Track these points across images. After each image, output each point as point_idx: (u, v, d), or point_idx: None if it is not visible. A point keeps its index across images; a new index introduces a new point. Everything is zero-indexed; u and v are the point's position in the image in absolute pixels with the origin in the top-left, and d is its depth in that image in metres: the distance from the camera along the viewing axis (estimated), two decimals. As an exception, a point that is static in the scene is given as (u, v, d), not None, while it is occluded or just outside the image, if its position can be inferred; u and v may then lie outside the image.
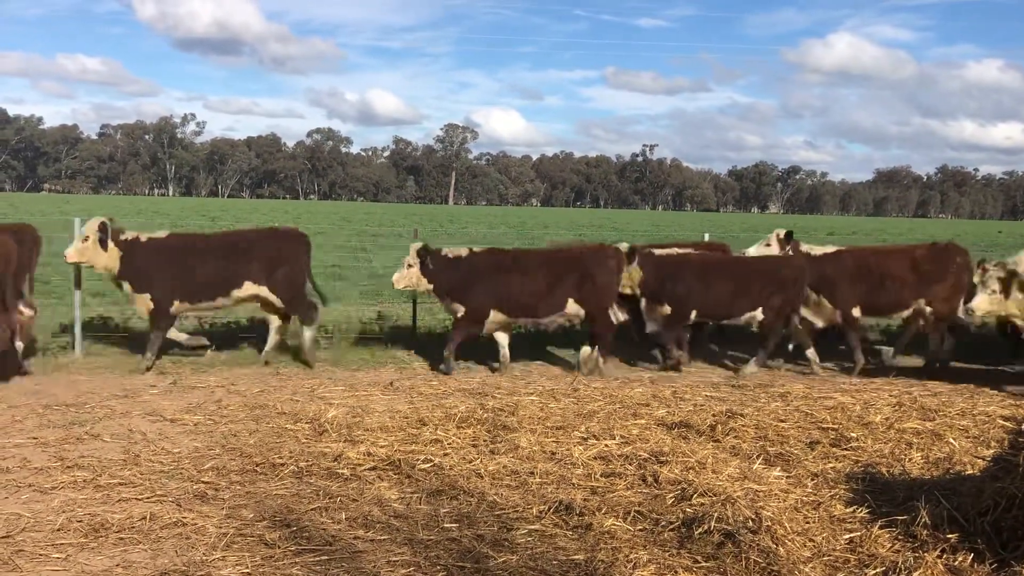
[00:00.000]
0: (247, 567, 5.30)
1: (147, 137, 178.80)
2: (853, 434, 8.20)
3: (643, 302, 11.70)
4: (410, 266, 11.29)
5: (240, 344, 12.36)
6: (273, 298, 11.31)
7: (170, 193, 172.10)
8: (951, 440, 8.07)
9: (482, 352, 12.09)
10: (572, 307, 11.44)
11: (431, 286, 11.38)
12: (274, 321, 11.64)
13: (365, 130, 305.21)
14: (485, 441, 7.88)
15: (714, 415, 8.75)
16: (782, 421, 8.74)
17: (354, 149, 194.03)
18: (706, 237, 14.73)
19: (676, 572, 5.25)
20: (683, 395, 10.07)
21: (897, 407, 9.45)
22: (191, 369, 11.05)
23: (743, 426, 8.35)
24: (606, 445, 7.71)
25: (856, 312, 11.78)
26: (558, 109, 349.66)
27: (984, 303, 10.43)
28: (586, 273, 11.43)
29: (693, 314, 11.68)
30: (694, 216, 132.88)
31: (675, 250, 12.37)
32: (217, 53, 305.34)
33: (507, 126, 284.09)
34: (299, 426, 8.38)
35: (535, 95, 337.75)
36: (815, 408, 9.35)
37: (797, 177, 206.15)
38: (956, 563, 5.26)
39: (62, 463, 7.12)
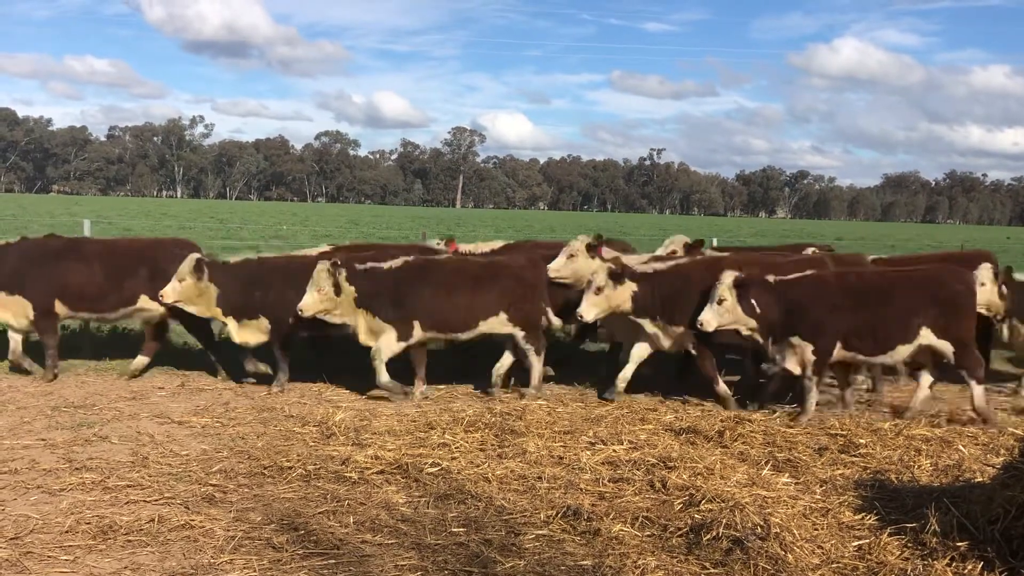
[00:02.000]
0: (255, 570, 5.31)
1: (156, 139, 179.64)
2: (862, 440, 8.16)
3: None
4: None
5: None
6: None
7: (178, 195, 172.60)
8: (960, 447, 8.04)
9: (486, 356, 12.05)
10: (144, 302, 10.45)
11: None
12: None
13: (372, 133, 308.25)
14: (493, 445, 7.87)
15: (722, 420, 8.71)
16: (790, 427, 8.72)
17: (362, 152, 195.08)
18: (714, 242, 14.64)
19: (684, 578, 5.24)
20: (691, 400, 10.06)
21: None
22: (199, 371, 11.06)
23: (751, 432, 8.32)
24: (614, 450, 7.69)
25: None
26: (564, 112, 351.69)
27: (313, 303, 9.36)
28: (156, 268, 10.40)
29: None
30: (701, 220, 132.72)
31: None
32: (225, 55, 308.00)
33: (514, 129, 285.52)
34: (307, 429, 8.38)
35: (541, 99, 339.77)
36: (823, 414, 9.32)
37: (805, 182, 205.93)
38: (966, 571, 5.23)
39: (70, 465, 7.14)
